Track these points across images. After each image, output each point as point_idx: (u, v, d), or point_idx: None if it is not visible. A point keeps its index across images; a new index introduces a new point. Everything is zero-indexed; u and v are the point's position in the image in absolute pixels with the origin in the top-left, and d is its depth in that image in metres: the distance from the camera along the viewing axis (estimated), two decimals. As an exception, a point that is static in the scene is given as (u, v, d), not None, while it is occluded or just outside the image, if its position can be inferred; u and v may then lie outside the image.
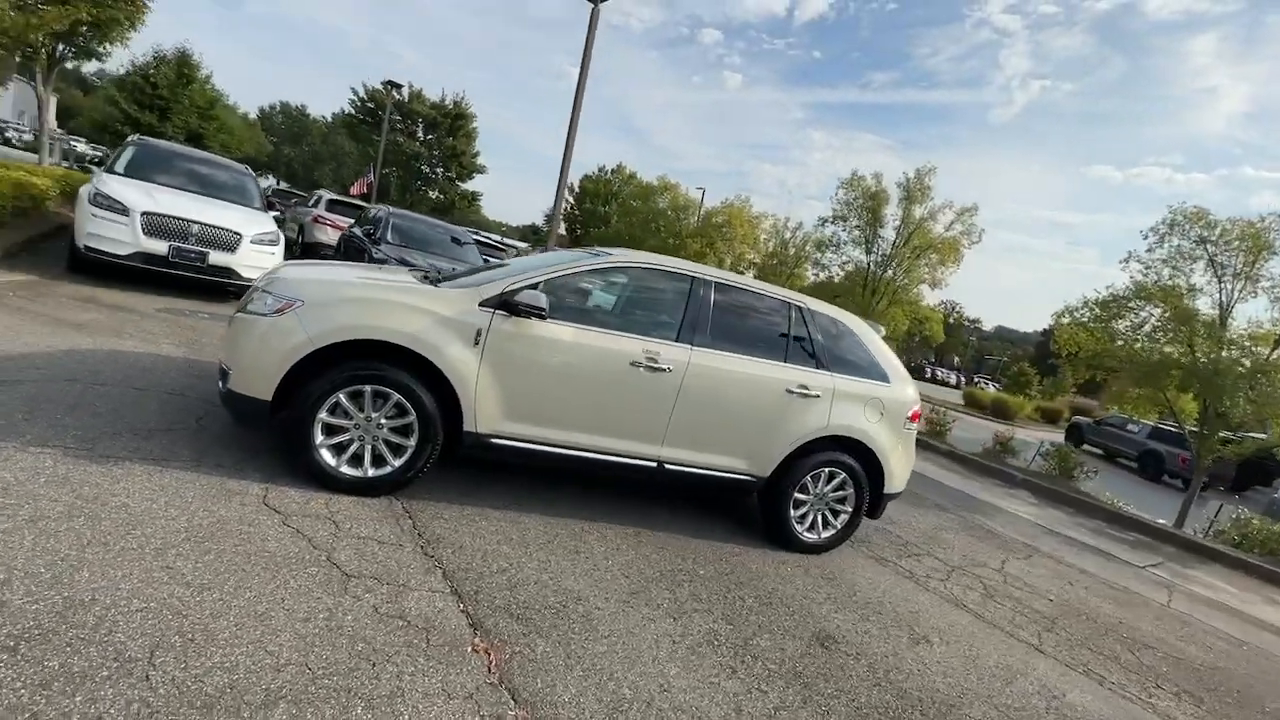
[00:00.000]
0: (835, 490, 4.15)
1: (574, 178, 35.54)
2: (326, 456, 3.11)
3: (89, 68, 31.72)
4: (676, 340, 3.71)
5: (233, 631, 2.00)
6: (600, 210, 28.19)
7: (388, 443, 3.22)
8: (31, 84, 13.85)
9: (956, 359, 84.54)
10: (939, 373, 55.69)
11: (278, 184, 37.74)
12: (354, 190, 26.44)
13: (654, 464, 3.68)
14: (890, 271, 15.95)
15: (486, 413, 3.32)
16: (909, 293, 16.30)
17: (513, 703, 2.04)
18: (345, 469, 3.15)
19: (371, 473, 3.20)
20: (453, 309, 3.25)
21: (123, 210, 5.98)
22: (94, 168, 16.12)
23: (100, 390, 3.61)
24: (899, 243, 15.68)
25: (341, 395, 3.09)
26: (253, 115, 53.00)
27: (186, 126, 22.44)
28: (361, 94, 32.46)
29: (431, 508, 3.29)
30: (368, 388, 3.12)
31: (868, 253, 16.28)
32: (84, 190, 6.23)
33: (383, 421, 3.19)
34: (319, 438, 3.09)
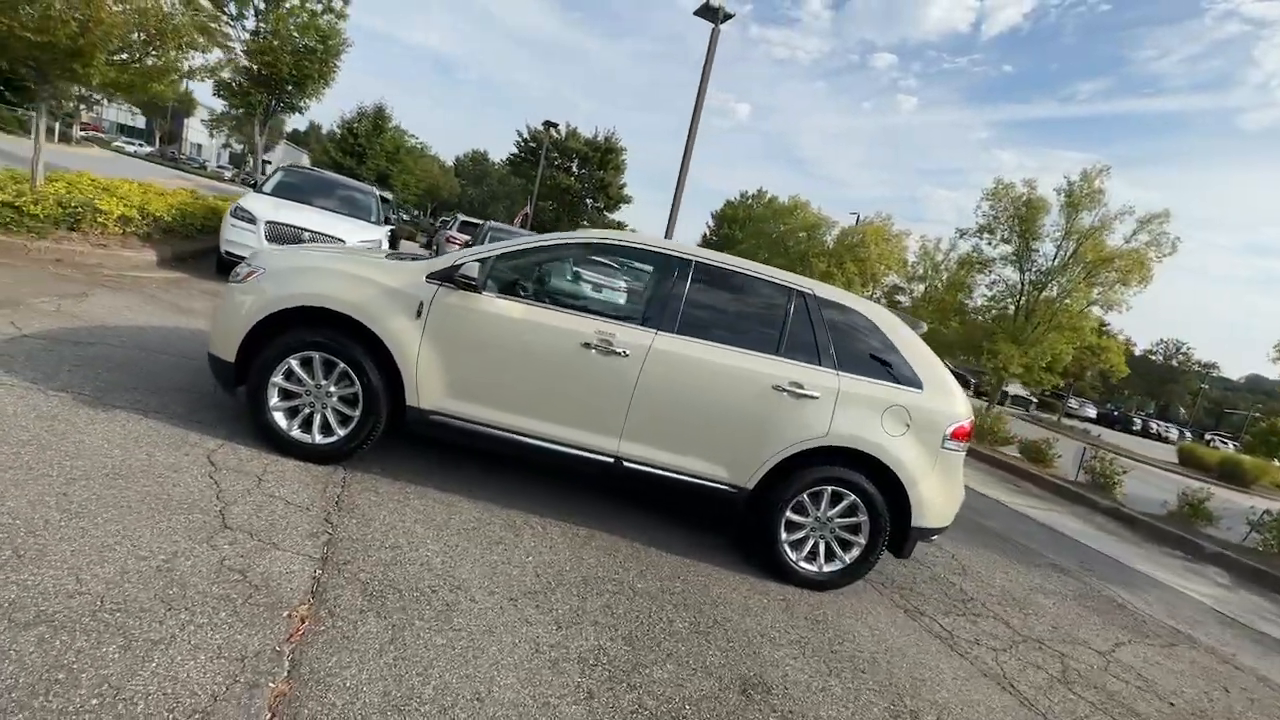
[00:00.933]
0: (843, 516, 3.42)
1: (717, 205, 35.76)
2: (279, 419, 3.22)
3: (297, 121, 38.85)
4: (641, 324, 3.35)
5: (65, 556, 2.06)
6: (736, 235, 27.77)
7: (337, 412, 3.27)
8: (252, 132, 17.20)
9: (1184, 411, 69.63)
10: (1154, 426, 46.25)
11: (461, 218, 43.19)
12: (515, 221, 29.09)
13: (610, 459, 3.32)
14: (1052, 290, 13.44)
15: (428, 388, 3.23)
16: (1076, 315, 13.47)
17: (285, 674, 1.85)
18: (296, 433, 3.24)
19: (319, 440, 3.25)
20: (399, 281, 3.23)
21: (251, 220, 7.05)
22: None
23: (156, 358, 4.15)
24: (1063, 256, 13.18)
25: (293, 361, 3.19)
26: (449, 161, 61.43)
27: (377, 168, 26.54)
28: (525, 135, 35.81)
29: (373, 481, 3.26)
30: (317, 355, 3.19)
31: (1020, 270, 13.91)
32: (230, 206, 7.48)
33: (331, 390, 3.24)
34: (273, 400, 3.21)
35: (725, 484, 3.35)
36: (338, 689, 1.85)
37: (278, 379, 3.20)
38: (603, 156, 35.22)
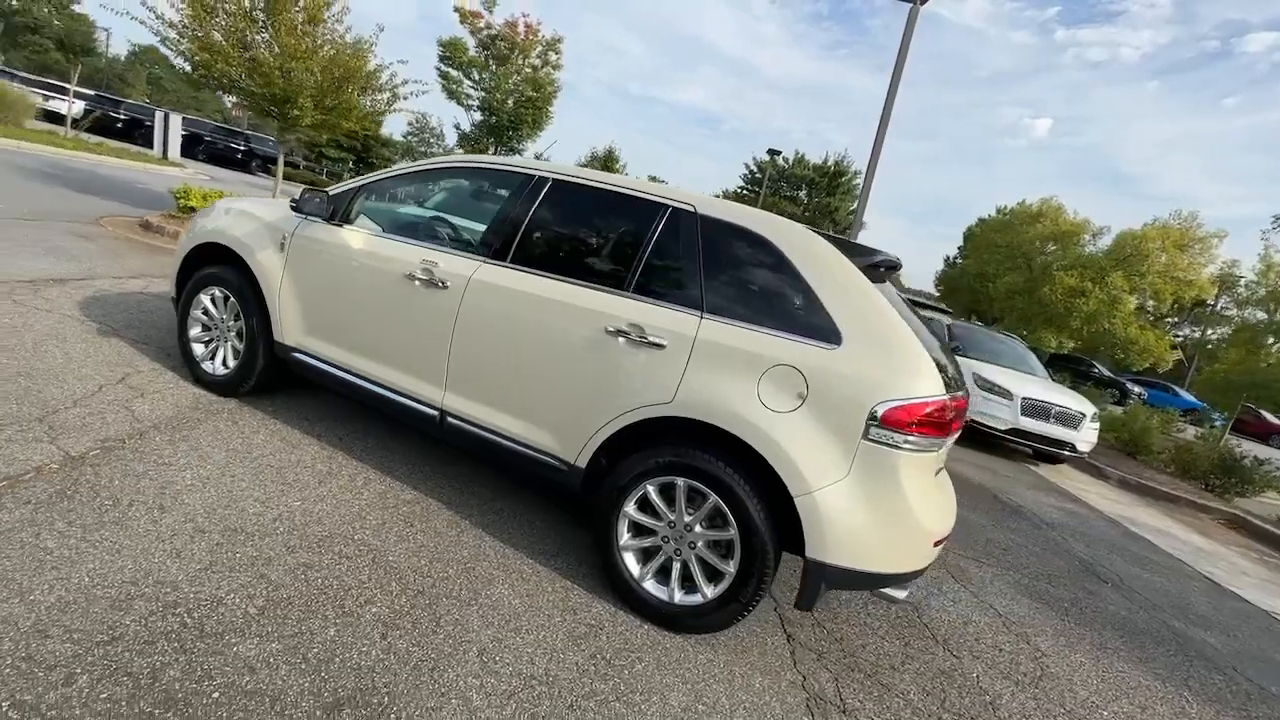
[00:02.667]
0: (710, 527, 2.33)
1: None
2: (195, 349, 3.47)
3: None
4: (472, 252, 2.81)
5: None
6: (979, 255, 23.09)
7: (234, 348, 3.40)
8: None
9: None
10: None
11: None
12: None
13: (435, 412, 2.81)
14: None
15: (289, 323, 3.17)
16: None
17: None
18: (205, 364, 3.45)
19: (217, 372, 3.41)
20: (275, 215, 3.26)
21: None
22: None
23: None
24: None
25: (204, 297, 3.43)
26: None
27: None
28: (752, 166, 35.89)
29: (251, 414, 3.28)
30: (217, 290, 3.38)
31: None
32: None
33: (230, 324, 3.39)
34: (191, 331, 3.48)
35: (552, 457, 2.56)
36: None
37: (196, 312, 3.46)
38: (830, 181, 33.35)
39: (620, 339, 2.40)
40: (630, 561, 2.45)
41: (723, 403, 2.23)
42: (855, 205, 33.34)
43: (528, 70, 16.67)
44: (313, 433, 3.26)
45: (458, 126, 17.36)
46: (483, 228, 3.02)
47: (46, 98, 21.09)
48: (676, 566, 2.39)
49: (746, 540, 2.22)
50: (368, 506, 2.70)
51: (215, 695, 1.60)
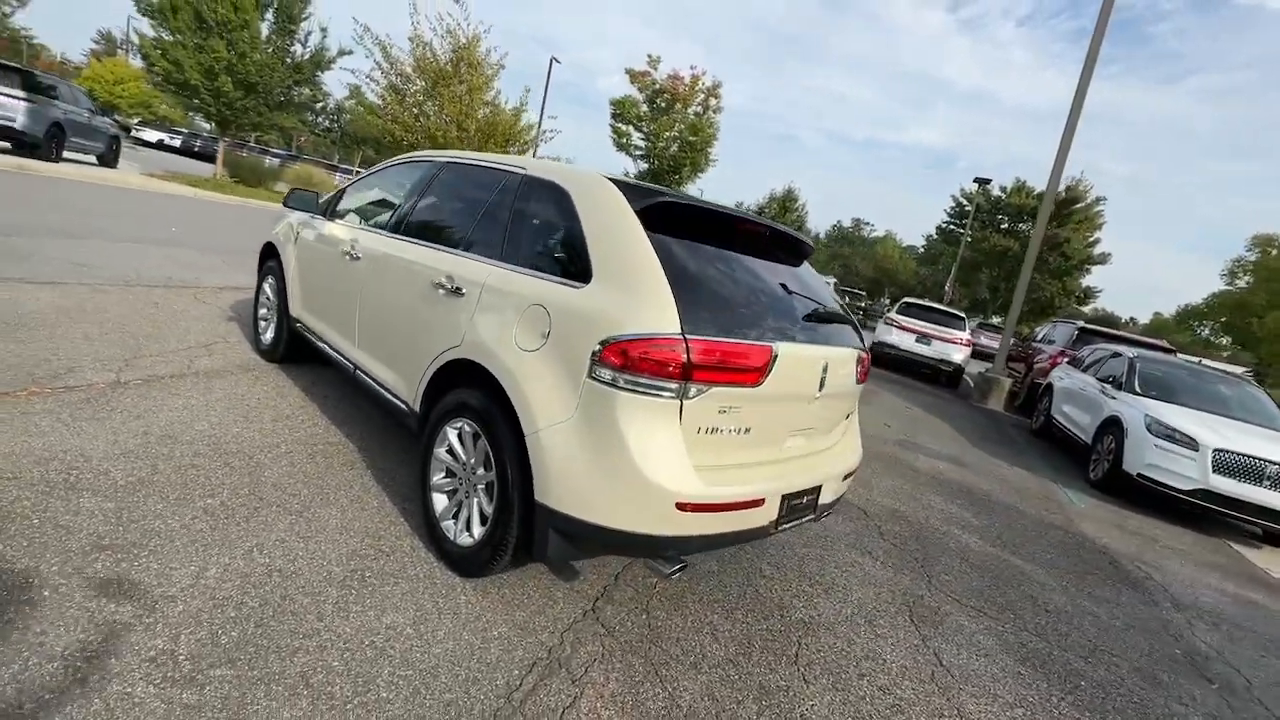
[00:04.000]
0: (485, 467, 2.36)
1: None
2: (260, 325, 4.49)
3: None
4: (384, 229, 3.26)
5: None
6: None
7: (276, 322, 4.32)
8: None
9: None
10: None
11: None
12: (946, 297, 26.65)
13: (350, 366, 3.27)
14: None
15: (293, 298, 3.96)
16: None
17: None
18: (262, 336, 4.43)
19: (265, 341, 4.35)
20: (300, 217, 4.11)
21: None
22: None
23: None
24: None
25: (264, 283, 4.44)
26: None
27: None
28: (960, 198, 32.41)
29: (282, 377, 4.11)
30: (271, 279, 4.35)
31: None
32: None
33: (274, 303, 4.32)
34: (260, 311, 4.51)
35: (401, 401, 2.82)
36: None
37: (261, 296, 4.49)
38: (1059, 209, 28.55)
39: (439, 290, 2.61)
40: (437, 501, 2.56)
41: (487, 343, 2.30)
42: (1093, 235, 28.01)
43: (691, 117, 17.69)
44: (309, 391, 3.97)
45: (626, 174, 18.86)
46: (388, 209, 3.49)
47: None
48: (465, 509, 2.45)
49: (501, 482, 2.22)
50: (291, 441, 3.23)
51: (35, 521, 2.15)
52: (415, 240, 2.96)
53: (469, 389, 2.39)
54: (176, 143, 34.39)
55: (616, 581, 2.68)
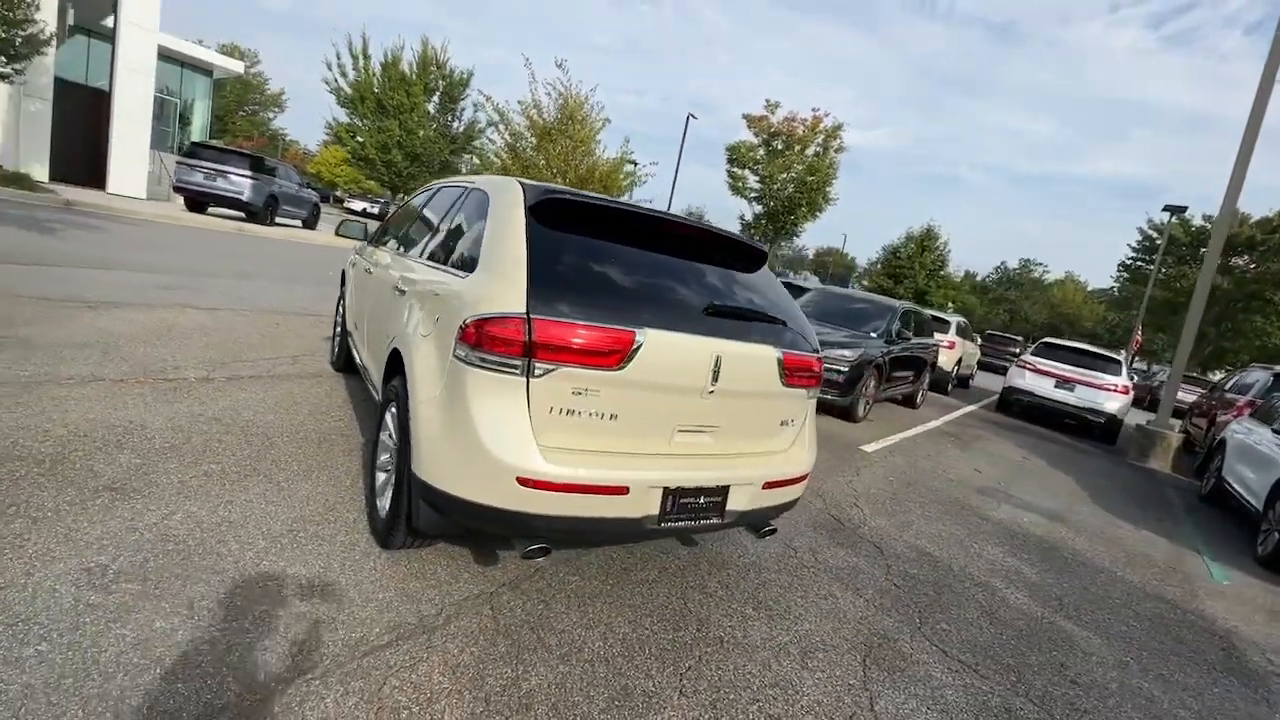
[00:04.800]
0: (403, 447, 2.59)
1: None
2: (335, 341, 5.27)
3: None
4: (391, 248, 3.73)
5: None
6: None
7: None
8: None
9: None
10: None
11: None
12: (1133, 343, 23.12)
13: (362, 368, 3.74)
14: None
15: (346, 313, 4.62)
16: None
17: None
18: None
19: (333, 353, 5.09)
20: (358, 243, 4.81)
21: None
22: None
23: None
24: None
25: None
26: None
27: (915, 287, 26.57)
28: (1149, 229, 27.87)
29: (339, 380, 4.79)
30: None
31: None
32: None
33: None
34: (336, 330, 5.30)
35: (375, 391, 3.18)
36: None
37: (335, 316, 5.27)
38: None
39: (396, 292, 2.95)
40: (378, 479, 2.82)
41: (405, 332, 2.57)
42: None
43: (810, 157, 17.46)
44: (354, 395, 4.56)
45: (741, 217, 19.07)
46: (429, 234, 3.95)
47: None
48: (389, 485, 2.68)
49: (398, 457, 2.42)
50: (310, 430, 3.74)
51: (77, 466, 2.77)
52: (404, 254, 3.39)
53: (398, 375, 2.66)
54: (375, 209, 41.09)
55: (534, 574, 2.72)
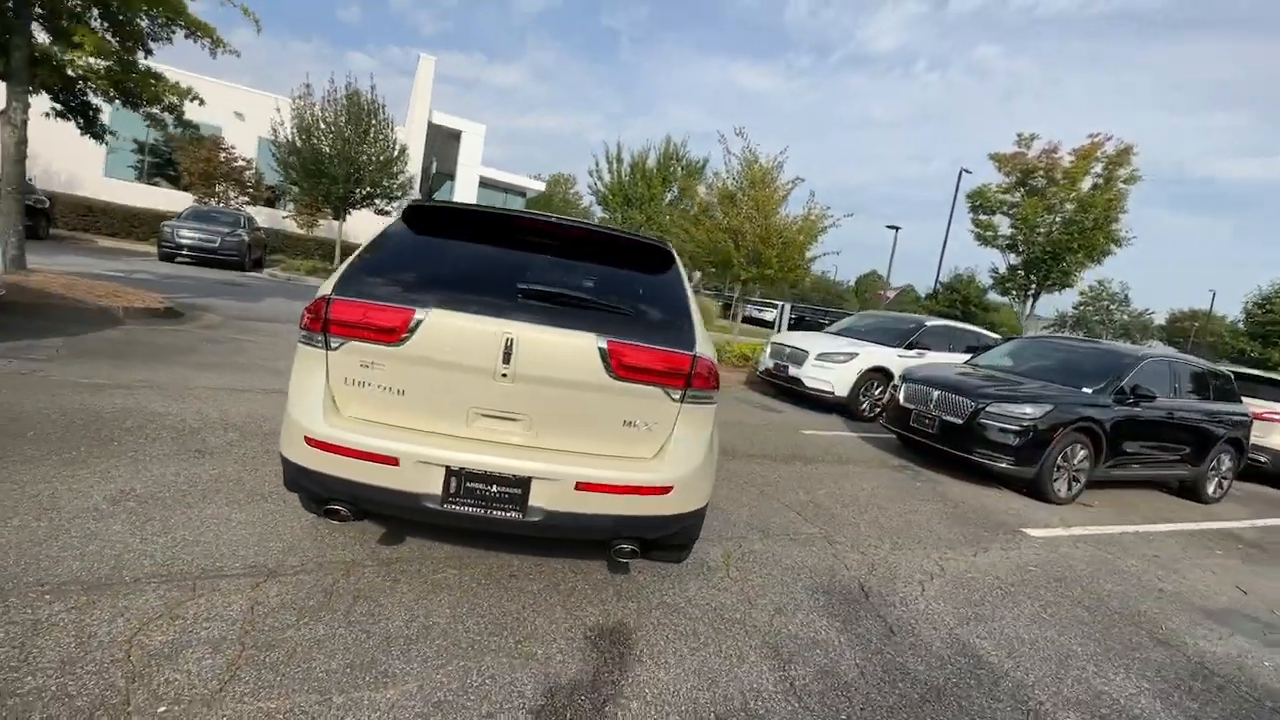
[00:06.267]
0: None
1: None
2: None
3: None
4: None
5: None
6: None
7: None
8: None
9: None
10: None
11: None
12: None
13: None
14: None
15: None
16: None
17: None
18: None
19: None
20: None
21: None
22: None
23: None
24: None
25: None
26: None
27: None
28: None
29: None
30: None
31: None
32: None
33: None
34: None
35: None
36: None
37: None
38: None
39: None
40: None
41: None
42: None
43: (1081, 191, 14.11)
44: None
45: (994, 270, 16.34)
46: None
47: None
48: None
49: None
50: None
51: (131, 434, 3.89)
52: None
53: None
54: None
55: (418, 558, 2.82)
